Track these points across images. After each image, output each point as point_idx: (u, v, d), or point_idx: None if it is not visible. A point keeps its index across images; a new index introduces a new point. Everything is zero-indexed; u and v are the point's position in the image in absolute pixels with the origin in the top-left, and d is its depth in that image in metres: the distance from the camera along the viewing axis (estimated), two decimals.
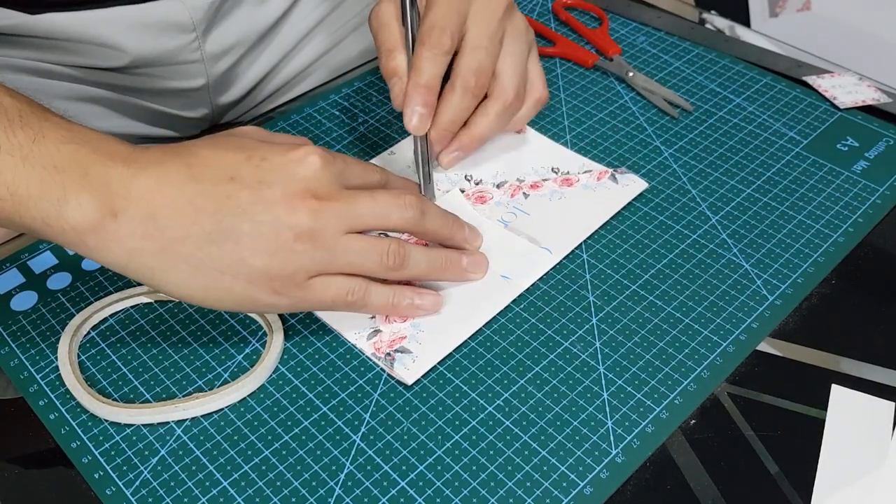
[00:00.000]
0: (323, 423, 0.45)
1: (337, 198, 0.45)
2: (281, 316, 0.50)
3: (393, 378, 0.47)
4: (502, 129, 0.57)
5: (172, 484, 0.43)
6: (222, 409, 0.46)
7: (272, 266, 0.43)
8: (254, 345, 0.49)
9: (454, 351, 0.48)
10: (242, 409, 0.46)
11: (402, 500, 0.42)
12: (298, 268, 0.44)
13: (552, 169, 0.59)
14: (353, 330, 0.49)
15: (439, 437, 0.44)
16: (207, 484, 0.42)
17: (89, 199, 0.41)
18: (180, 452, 0.44)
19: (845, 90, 0.66)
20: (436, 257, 0.49)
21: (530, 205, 0.57)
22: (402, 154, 0.61)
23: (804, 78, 0.67)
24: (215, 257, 0.43)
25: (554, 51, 0.71)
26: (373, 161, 0.60)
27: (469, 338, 0.49)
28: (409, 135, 0.62)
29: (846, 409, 0.46)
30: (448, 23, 0.52)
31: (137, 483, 0.43)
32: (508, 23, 0.55)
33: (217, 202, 0.43)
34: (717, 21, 0.77)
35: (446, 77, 0.53)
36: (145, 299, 0.51)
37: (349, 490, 0.42)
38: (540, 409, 0.45)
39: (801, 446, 0.44)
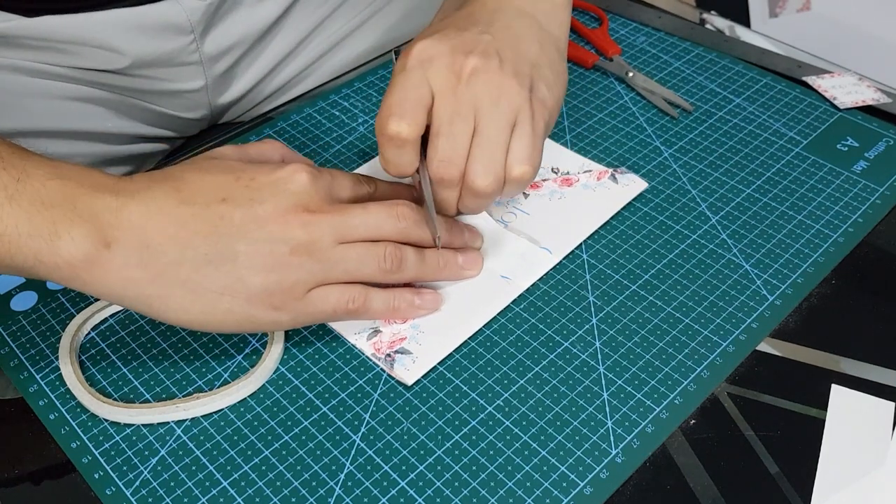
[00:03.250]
0: (323, 423, 0.45)
1: (328, 210, 0.45)
2: None
3: (393, 378, 0.47)
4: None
5: (172, 484, 0.43)
6: (222, 410, 0.46)
7: (270, 282, 0.43)
8: (254, 345, 0.49)
9: (454, 351, 0.48)
10: (242, 409, 0.46)
11: (402, 500, 0.42)
12: (296, 281, 0.44)
13: (552, 169, 0.59)
14: (353, 330, 0.49)
15: (439, 437, 0.44)
16: (207, 484, 0.42)
17: (81, 232, 0.41)
18: (180, 452, 0.44)
19: (845, 90, 0.66)
20: (432, 257, 0.49)
21: (530, 204, 0.57)
22: None
23: (804, 78, 0.67)
24: (213, 278, 0.43)
25: None
26: (372, 161, 0.60)
27: (469, 338, 0.49)
28: None
29: (846, 409, 0.46)
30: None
31: (137, 483, 0.43)
32: (482, 89, 0.47)
33: (211, 223, 0.43)
34: (717, 21, 0.77)
35: None
36: None
37: (349, 490, 0.42)
38: (540, 409, 0.45)
39: (801, 446, 0.44)
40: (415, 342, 0.48)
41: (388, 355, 0.48)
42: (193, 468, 0.43)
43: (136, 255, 0.42)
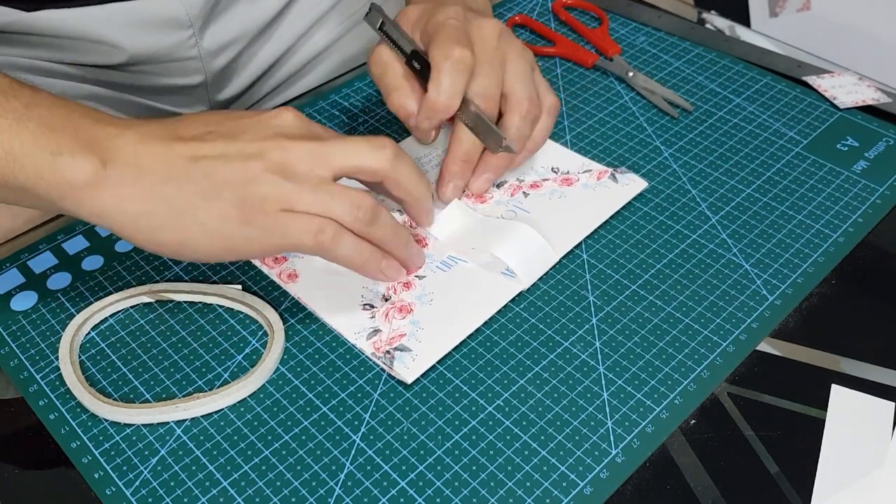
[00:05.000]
0: (323, 423, 0.45)
1: (308, 139, 0.47)
2: (281, 316, 0.50)
3: (393, 378, 0.47)
4: (526, 140, 0.56)
5: (172, 484, 0.43)
6: (222, 410, 0.46)
7: (242, 194, 0.45)
8: (254, 345, 0.49)
9: (454, 351, 0.48)
10: (242, 409, 0.46)
11: (402, 500, 0.42)
12: (266, 194, 0.45)
13: (552, 168, 0.59)
14: (353, 330, 0.49)
15: (439, 437, 0.44)
16: (207, 484, 0.43)
17: (82, 154, 0.43)
18: (180, 452, 0.44)
19: (845, 90, 0.66)
20: (401, 229, 0.50)
21: (530, 204, 0.57)
22: None
23: (804, 78, 0.67)
24: (191, 192, 0.44)
25: (554, 51, 0.71)
26: None
27: (469, 338, 0.49)
28: (409, 135, 0.62)
29: (846, 409, 0.46)
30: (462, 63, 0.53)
31: (137, 483, 0.43)
32: (506, 46, 0.55)
33: (194, 147, 0.45)
34: (716, 21, 0.77)
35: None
36: (145, 299, 0.51)
37: (349, 490, 0.42)
38: (540, 409, 0.45)
39: (801, 446, 0.44)
40: (414, 339, 0.48)
41: (388, 352, 0.48)
42: (193, 468, 0.43)
43: (130, 174, 0.44)
